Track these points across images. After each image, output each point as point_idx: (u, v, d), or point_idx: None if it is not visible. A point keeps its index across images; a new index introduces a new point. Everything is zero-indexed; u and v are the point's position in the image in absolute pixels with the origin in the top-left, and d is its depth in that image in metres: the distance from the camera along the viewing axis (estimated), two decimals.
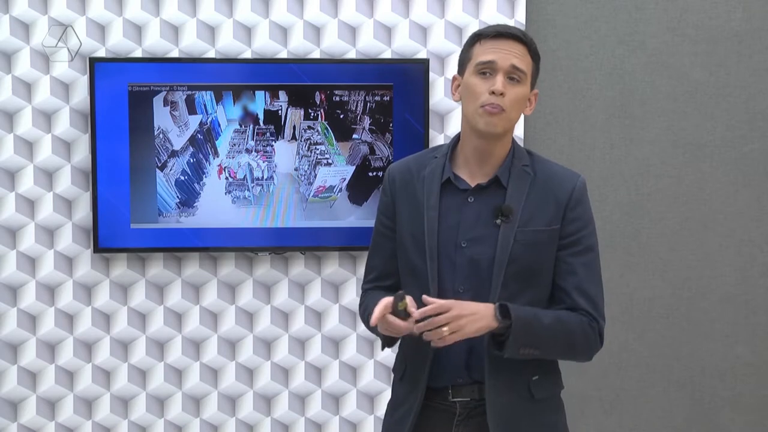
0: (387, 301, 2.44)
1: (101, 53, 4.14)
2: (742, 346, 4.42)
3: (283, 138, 4.14)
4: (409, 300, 2.44)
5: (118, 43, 4.16)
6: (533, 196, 2.55)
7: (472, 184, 2.58)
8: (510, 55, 2.50)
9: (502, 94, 2.48)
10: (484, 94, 2.49)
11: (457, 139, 2.66)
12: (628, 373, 4.42)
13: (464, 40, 3.84)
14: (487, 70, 2.51)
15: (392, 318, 2.43)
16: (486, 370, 2.55)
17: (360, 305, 2.76)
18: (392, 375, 2.81)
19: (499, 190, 2.56)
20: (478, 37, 2.56)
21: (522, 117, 4.18)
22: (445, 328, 2.40)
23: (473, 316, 2.42)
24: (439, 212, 2.56)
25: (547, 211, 2.55)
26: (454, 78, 2.62)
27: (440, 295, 2.53)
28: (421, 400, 2.60)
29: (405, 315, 2.43)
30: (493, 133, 2.53)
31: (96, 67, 4.07)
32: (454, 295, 2.53)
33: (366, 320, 2.64)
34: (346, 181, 4.15)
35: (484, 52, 2.51)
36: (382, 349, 2.64)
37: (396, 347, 2.74)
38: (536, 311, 2.52)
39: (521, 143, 4.23)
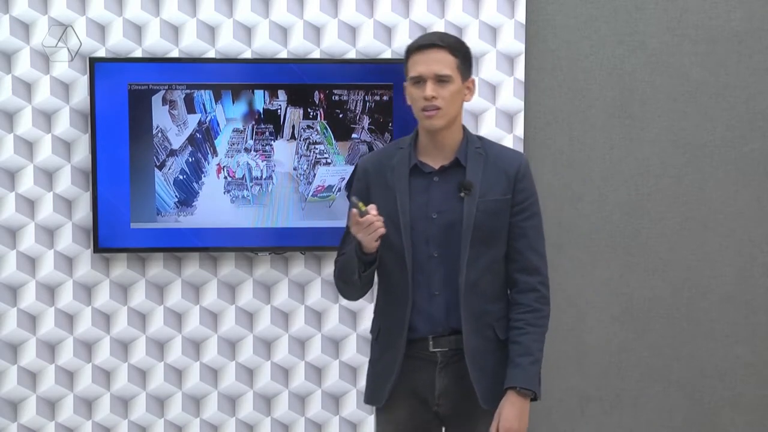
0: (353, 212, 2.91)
1: (101, 53, 4.15)
2: (742, 346, 4.42)
3: (282, 137, 4.15)
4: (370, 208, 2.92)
5: (118, 43, 4.16)
6: (488, 173, 3.03)
7: (436, 167, 3.04)
8: (432, 64, 2.96)
9: (434, 97, 2.95)
10: (420, 101, 2.97)
11: (416, 132, 3.10)
12: (628, 373, 4.41)
13: (465, 40, 4.04)
14: (418, 80, 2.98)
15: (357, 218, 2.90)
16: (463, 320, 3.00)
17: (334, 275, 3.16)
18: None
19: (459, 170, 3.03)
20: (408, 52, 3.04)
21: (522, 117, 4.26)
22: None
23: (518, 417, 2.97)
24: (410, 193, 3.02)
25: (500, 184, 3.03)
26: (405, 86, 3.06)
27: (414, 261, 3.00)
28: (403, 352, 3.03)
29: (363, 214, 2.91)
30: (436, 129, 2.99)
31: (96, 67, 4.07)
32: (428, 260, 3.01)
33: (341, 268, 3.08)
34: (345, 181, 4.15)
35: (413, 66, 3.00)
36: (358, 277, 3.01)
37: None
38: (532, 353, 3.00)
39: (521, 143, 4.25)
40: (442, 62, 2.97)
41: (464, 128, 3.10)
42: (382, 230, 2.92)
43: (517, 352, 3.00)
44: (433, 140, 3.04)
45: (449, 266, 3.01)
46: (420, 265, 3.01)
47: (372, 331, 3.19)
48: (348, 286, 3.11)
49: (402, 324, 3.03)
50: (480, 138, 3.12)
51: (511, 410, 2.97)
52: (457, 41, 3.03)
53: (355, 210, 2.90)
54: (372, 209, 2.90)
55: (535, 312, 3.04)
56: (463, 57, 3.01)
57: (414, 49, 3.02)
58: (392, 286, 3.05)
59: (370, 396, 3.19)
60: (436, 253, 3.01)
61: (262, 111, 4.13)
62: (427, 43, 3.00)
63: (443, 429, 3.17)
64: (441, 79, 2.96)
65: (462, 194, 3.00)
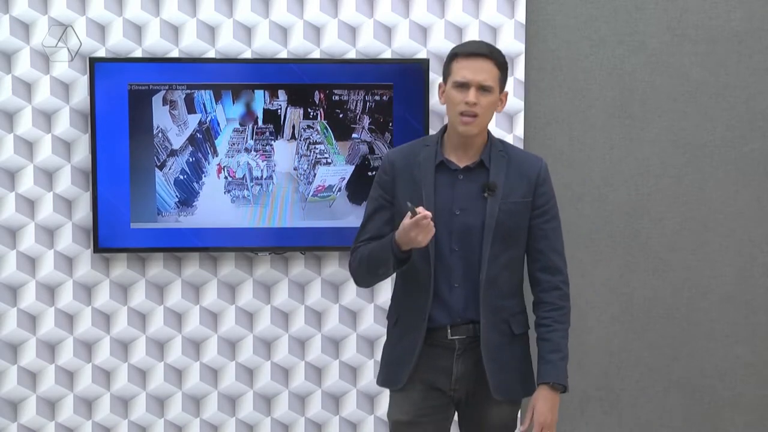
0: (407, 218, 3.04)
1: (101, 53, 4.15)
2: (742, 346, 4.42)
3: (283, 137, 4.15)
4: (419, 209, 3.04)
5: (118, 43, 4.16)
6: (510, 175, 3.19)
7: (461, 166, 3.19)
8: (480, 73, 3.10)
9: (475, 104, 3.09)
10: (461, 104, 3.11)
11: (444, 129, 3.25)
12: (628, 373, 4.41)
13: (465, 40, 3.93)
14: (462, 85, 3.11)
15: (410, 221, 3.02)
16: (481, 312, 3.16)
17: (353, 260, 3.26)
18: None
19: (483, 170, 3.19)
20: (455, 56, 3.15)
21: (522, 117, 4.27)
22: None
23: (551, 410, 3.17)
24: (435, 188, 3.17)
25: (521, 187, 3.19)
26: (440, 85, 3.20)
27: (437, 253, 3.15)
28: (422, 339, 3.17)
29: (416, 215, 3.02)
30: (470, 135, 3.15)
31: (96, 67, 4.07)
32: (450, 253, 3.16)
33: (367, 258, 3.19)
34: (346, 181, 4.16)
35: (460, 71, 3.12)
36: (391, 270, 3.15)
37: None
38: (561, 350, 3.19)
39: (521, 143, 4.25)
40: (488, 73, 3.12)
41: (489, 131, 3.25)
42: (433, 229, 3.05)
43: (547, 349, 3.18)
44: (462, 140, 3.18)
45: (469, 261, 3.17)
46: (441, 258, 3.16)
47: (389, 317, 3.33)
48: (371, 276, 3.23)
49: (423, 312, 3.18)
50: (502, 142, 3.27)
51: (545, 404, 3.16)
52: (501, 55, 3.17)
53: (409, 213, 3.02)
54: (422, 210, 3.01)
55: (560, 310, 3.21)
56: (504, 71, 3.18)
57: (463, 54, 3.14)
58: (414, 276, 3.19)
59: (386, 379, 3.30)
60: (456, 247, 3.17)
61: (262, 111, 4.13)
62: (478, 51, 3.14)
63: (455, 413, 3.33)
64: (484, 89, 3.11)
65: (486, 194, 3.16)
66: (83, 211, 4.19)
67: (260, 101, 4.12)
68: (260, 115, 4.13)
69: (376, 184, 3.28)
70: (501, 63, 3.16)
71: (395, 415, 3.28)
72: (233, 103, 4.12)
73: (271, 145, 4.14)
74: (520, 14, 4.24)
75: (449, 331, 3.19)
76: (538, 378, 3.19)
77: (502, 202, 3.16)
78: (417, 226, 3.00)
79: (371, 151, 4.14)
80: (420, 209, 2.99)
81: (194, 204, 4.15)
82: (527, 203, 3.19)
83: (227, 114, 4.12)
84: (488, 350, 3.17)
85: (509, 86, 4.24)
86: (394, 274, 3.27)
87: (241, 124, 4.13)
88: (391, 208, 3.24)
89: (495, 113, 3.25)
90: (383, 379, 3.31)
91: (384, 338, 3.40)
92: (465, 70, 3.11)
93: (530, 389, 3.27)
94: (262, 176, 4.15)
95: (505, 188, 3.17)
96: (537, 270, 3.23)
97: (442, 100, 3.19)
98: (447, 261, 3.17)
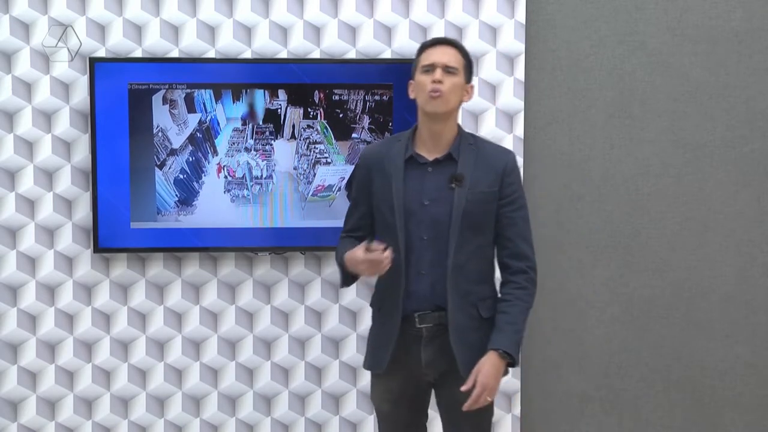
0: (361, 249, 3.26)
1: (101, 53, 4.15)
2: (742, 346, 4.42)
3: (283, 137, 4.15)
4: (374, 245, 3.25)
5: (118, 43, 4.16)
6: (478, 167, 3.35)
7: (430, 159, 3.36)
8: (444, 56, 3.32)
9: (441, 82, 3.28)
10: (428, 84, 3.30)
11: (415, 126, 3.44)
12: (628, 373, 4.41)
13: (465, 40, 4.09)
14: (429, 68, 3.32)
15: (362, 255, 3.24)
16: (449, 298, 3.32)
17: (336, 251, 3.51)
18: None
19: (452, 163, 3.36)
20: (422, 48, 3.38)
21: (522, 117, 4.25)
22: (488, 398, 3.27)
23: (495, 375, 3.28)
24: (405, 181, 3.35)
25: (488, 178, 3.35)
26: (409, 83, 3.40)
27: (407, 243, 3.33)
28: (398, 326, 3.36)
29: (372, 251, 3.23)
30: (438, 113, 3.31)
31: (96, 67, 4.07)
32: (419, 242, 3.33)
33: (339, 259, 3.44)
34: (346, 181, 4.15)
35: (426, 57, 3.34)
36: (341, 287, 3.51)
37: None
38: (516, 323, 3.32)
39: (521, 143, 4.25)
40: (452, 56, 3.33)
41: (459, 126, 3.43)
42: (387, 266, 3.22)
43: (503, 320, 3.32)
44: (431, 133, 3.36)
45: (438, 249, 3.33)
46: (411, 247, 3.34)
47: (372, 304, 3.54)
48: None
49: (396, 301, 3.37)
50: (473, 135, 3.45)
51: (490, 369, 3.27)
52: (466, 49, 3.40)
53: (365, 245, 3.21)
54: (384, 253, 3.20)
55: (524, 289, 3.36)
56: (468, 62, 3.39)
57: (428, 44, 3.38)
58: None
59: (371, 363, 3.49)
60: (426, 237, 3.34)
61: (262, 111, 4.13)
62: (442, 40, 3.39)
63: (433, 393, 3.53)
64: (449, 70, 3.31)
65: (453, 185, 3.33)
66: (83, 211, 4.19)
67: (260, 101, 4.12)
68: (260, 114, 4.13)
69: (354, 180, 3.53)
70: (465, 54, 3.38)
71: (376, 401, 3.53)
72: (233, 102, 4.12)
73: (271, 145, 4.15)
74: (520, 14, 4.24)
75: (417, 319, 3.36)
76: (489, 344, 3.30)
77: (469, 192, 3.32)
78: (370, 264, 3.22)
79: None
80: (385, 253, 3.19)
81: (194, 203, 4.15)
82: (494, 193, 3.34)
83: (227, 113, 4.12)
84: (456, 332, 3.33)
85: (509, 85, 4.24)
86: None
87: (240, 124, 4.13)
88: (367, 203, 3.46)
89: (466, 104, 3.43)
90: (369, 363, 3.50)
91: None
92: (432, 55, 3.33)
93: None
94: (261, 176, 4.15)
95: (473, 179, 3.33)
96: (505, 256, 3.39)
97: (412, 94, 3.38)
98: (417, 251, 3.34)
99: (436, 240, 3.33)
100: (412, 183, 3.35)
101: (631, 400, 4.42)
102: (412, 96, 3.38)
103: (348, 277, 3.45)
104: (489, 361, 3.28)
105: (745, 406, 4.43)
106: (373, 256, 3.20)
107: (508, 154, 3.42)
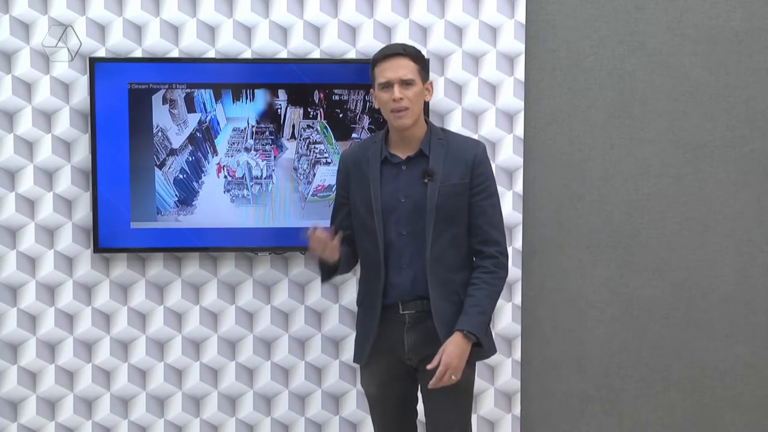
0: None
1: (101, 53, 4.15)
2: (742, 346, 4.42)
3: (283, 137, 4.15)
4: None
5: (118, 43, 4.16)
6: (448, 160, 3.50)
7: (404, 157, 3.53)
8: (398, 69, 3.45)
9: (401, 99, 3.44)
10: (390, 103, 3.46)
11: (387, 129, 3.59)
12: (628, 373, 4.41)
13: (465, 40, 4.14)
14: (386, 85, 3.46)
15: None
16: (430, 288, 3.47)
17: None
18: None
19: (424, 159, 3.52)
20: (374, 62, 3.50)
21: (522, 117, 4.26)
22: (453, 377, 3.40)
23: (459, 356, 3.41)
24: (381, 181, 3.51)
25: (459, 170, 3.50)
26: (371, 91, 3.55)
27: (386, 240, 3.50)
28: (379, 317, 3.52)
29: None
30: (405, 127, 3.48)
31: (96, 66, 4.07)
32: (398, 238, 3.50)
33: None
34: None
35: (381, 73, 3.47)
36: (322, 282, 3.76)
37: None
38: (482, 305, 3.46)
39: (521, 143, 4.25)
40: (405, 68, 3.46)
41: (428, 122, 3.60)
42: (335, 243, 3.44)
43: (469, 303, 3.47)
44: (401, 135, 3.53)
45: (417, 242, 3.49)
46: (391, 243, 3.51)
47: (357, 300, 3.70)
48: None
49: (377, 295, 3.53)
50: (443, 130, 3.62)
51: (454, 349, 3.42)
52: (416, 50, 3.51)
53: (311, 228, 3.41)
54: (320, 229, 3.41)
55: (492, 273, 3.51)
56: (422, 63, 3.51)
57: (380, 58, 3.49)
58: (369, 262, 3.56)
59: (357, 355, 3.65)
60: (404, 232, 3.50)
61: (262, 111, 4.13)
62: (391, 52, 3.48)
63: (417, 377, 3.64)
64: (406, 83, 3.45)
65: (425, 180, 3.48)
66: (83, 211, 4.19)
67: (260, 101, 4.12)
68: (260, 114, 4.13)
69: (336, 182, 3.69)
70: (416, 57, 3.49)
71: (366, 386, 3.67)
72: (233, 102, 4.12)
73: (271, 145, 4.15)
74: (520, 14, 4.24)
75: (400, 306, 3.52)
76: (456, 326, 3.44)
77: (441, 186, 3.47)
78: (317, 241, 3.42)
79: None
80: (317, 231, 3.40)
81: (194, 203, 4.15)
82: (465, 185, 3.50)
83: (227, 113, 4.12)
84: (440, 319, 3.48)
85: (509, 85, 4.24)
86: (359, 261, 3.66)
87: (240, 124, 4.13)
88: (347, 203, 3.63)
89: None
90: (356, 357, 3.65)
91: None
92: (385, 72, 3.46)
93: (481, 353, 3.54)
94: (261, 176, 4.15)
95: (444, 172, 3.49)
96: (476, 243, 3.54)
97: (376, 104, 3.53)
98: (396, 246, 3.50)
99: (415, 234, 3.49)
100: (388, 182, 3.52)
101: (631, 400, 4.42)
102: (376, 106, 3.53)
103: (324, 272, 3.61)
104: (453, 342, 3.42)
105: (745, 406, 4.43)
106: (317, 233, 3.39)
107: (477, 146, 3.56)
